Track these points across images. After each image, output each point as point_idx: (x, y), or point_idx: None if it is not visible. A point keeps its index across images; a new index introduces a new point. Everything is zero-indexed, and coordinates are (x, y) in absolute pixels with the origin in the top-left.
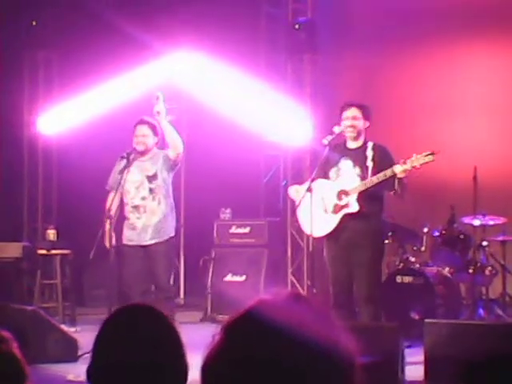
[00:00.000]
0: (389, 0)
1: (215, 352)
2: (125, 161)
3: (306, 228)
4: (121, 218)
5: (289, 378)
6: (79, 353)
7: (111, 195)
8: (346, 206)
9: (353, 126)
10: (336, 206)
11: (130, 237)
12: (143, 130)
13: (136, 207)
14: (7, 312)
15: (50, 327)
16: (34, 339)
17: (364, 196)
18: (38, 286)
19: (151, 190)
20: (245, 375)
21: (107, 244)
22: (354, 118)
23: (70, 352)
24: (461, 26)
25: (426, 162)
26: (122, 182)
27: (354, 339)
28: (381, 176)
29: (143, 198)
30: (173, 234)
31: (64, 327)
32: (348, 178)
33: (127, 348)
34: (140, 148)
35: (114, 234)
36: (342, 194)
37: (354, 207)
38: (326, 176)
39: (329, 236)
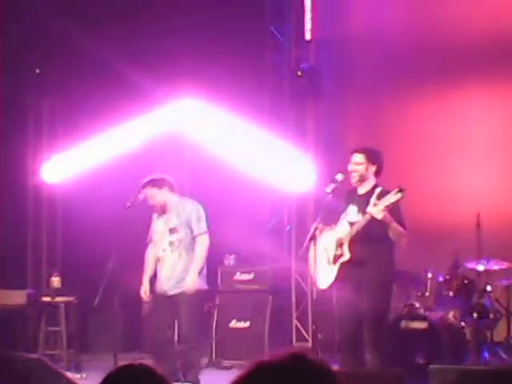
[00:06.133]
0: (390, 46)
1: None
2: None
3: (315, 279)
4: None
5: None
6: None
7: (149, 247)
8: (341, 255)
9: (354, 171)
10: (335, 256)
11: (156, 286)
12: (148, 192)
13: (158, 259)
14: (11, 361)
15: (55, 375)
16: None
17: (362, 243)
18: (42, 333)
19: (171, 243)
20: None
21: (144, 296)
22: (356, 163)
23: None
24: (463, 68)
25: (398, 200)
26: (151, 233)
27: None
28: (362, 220)
29: (163, 250)
30: (199, 287)
31: (69, 374)
32: (344, 224)
33: None
34: (157, 209)
35: (148, 287)
36: (339, 242)
37: (346, 255)
38: (334, 224)
39: (333, 286)
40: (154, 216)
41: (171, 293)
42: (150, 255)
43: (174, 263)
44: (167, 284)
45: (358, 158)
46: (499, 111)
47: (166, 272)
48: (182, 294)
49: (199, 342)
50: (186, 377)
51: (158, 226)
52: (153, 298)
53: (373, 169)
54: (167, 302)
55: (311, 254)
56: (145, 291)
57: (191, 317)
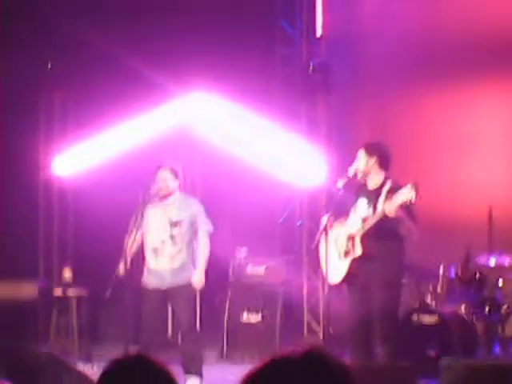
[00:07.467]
0: (402, 40)
1: None
2: (146, 202)
3: (325, 273)
4: (140, 258)
5: None
6: None
7: (132, 235)
8: (351, 250)
9: (356, 168)
10: (345, 251)
11: (148, 280)
12: (164, 174)
13: (155, 250)
14: (21, 354)
15: (65, 368)
16: (50, 381)
17: (374, 238)
18: (53, 325)
19: (172, 236)
20: None
21: (121, 272)
22: (357, 159)
23: None
24: (474, 63)
25: (412, 198)
26: (142, 223)
27: None
28: (375, 216)
29: (163, 242)
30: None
31: (80, 367)
32: (356, 219)
33: None
34: (162, 193)
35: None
36: (351, 237)
37: (357, 251)
38: (344, 218)
39: (344, 281)
40: (147, 206)
41: (166, 286)
42: (135, 244)
43: (173, 256)
44: (164, 276)
45: (359, 154)
46: (511, 104)
47: (164, 265)
48: (178, 287)
49: (199, 333)
50: (188, 369)
51: (154, 216)
52: (143, 291)
53: (372, 161)
54: (160, 296)
55: (322, 248)
56: (124, 268)
57: (189, 309)
